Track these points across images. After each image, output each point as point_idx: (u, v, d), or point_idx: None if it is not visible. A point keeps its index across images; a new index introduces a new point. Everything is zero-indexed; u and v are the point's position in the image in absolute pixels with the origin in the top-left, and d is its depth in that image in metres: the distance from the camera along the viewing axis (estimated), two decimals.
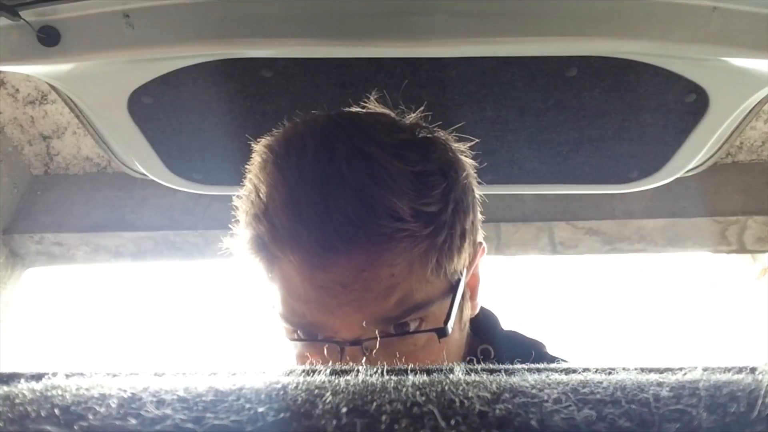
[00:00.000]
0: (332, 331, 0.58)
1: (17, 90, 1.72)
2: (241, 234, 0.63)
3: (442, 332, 0.59)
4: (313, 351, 0.60)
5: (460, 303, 0.62)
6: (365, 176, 0.56)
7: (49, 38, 0.75)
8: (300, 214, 0.56)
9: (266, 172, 0.60)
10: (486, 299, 0.76)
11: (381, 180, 0.56)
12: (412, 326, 0.59)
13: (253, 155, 0.64)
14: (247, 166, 0.65)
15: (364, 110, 0.69)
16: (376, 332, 0.56)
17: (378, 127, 0.61)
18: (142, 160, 0.99)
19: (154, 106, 0.87)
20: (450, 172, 0.62)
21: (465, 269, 0.64)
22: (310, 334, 0.60)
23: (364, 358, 0.57)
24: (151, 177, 1.03)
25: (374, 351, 0.57)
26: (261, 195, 0.59)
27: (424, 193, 0.57)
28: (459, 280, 0.63)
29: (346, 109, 0.69)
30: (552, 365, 0.30)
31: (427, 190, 0.58)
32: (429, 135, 0.65)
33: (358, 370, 0.28)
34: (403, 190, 0.56)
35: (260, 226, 0.59)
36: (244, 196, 0.63)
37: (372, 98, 0.70)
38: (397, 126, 0.63)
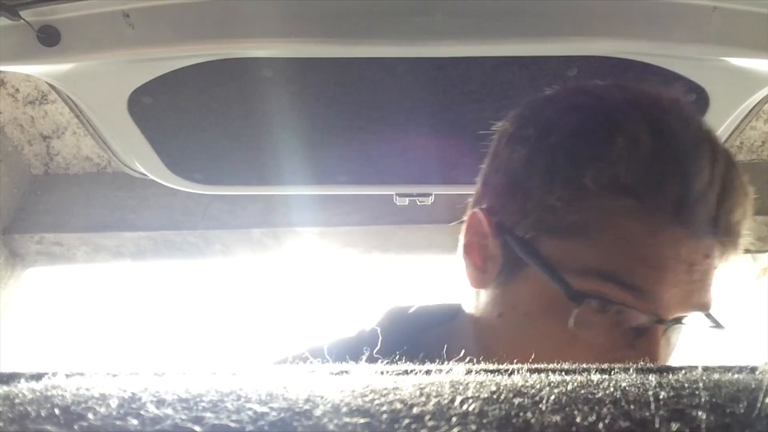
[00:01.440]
0: (657, 302, 0.55)
1: (17, 90, 1.72)
2: (572, 169, 0.57)
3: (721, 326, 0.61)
4: (610, 322, 0.57)
5: None
6: (745, 185, 0.60)
7: (49, 38, 0.75)
8: (713, 182, 0.56)
9: (668, 127, 0.57)
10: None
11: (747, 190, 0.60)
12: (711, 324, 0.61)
13: (605, 102, 0.60)
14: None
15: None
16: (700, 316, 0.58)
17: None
18: (142, 160, 0.99)
19: (154, 106, 0.87)
20: None
21: None
22: (633, 301, 0.56)
23: (662, 341, 0.56)
24: (151, 177, 1.03)
25: (667, 338, 0.57)
26: (660, 145, 0.56)
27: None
28: None
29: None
30: (553, 366, 0.30)
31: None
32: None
33: (358, 370, 0.28)
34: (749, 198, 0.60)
35: (651, 175, 0.55)
36: (604, 138, 0.57)
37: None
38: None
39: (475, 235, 0.65)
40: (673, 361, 0.61)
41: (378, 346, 0.62)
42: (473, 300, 0.67)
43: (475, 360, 0.66)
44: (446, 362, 0.51)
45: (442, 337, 0.69)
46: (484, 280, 0.64)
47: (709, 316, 0.60)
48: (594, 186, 0.56)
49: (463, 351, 0.67)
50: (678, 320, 0.57)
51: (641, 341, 0.56)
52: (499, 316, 0.63)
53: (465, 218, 0.68)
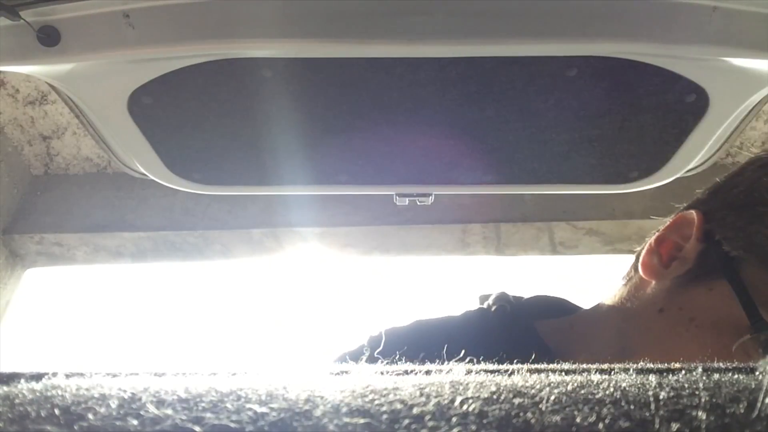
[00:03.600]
0: None
1: (17, 90, 1.72)
2: None
3: None
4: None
5: None
6: None
7: (49, 38, 0.75)
8: None
9: None
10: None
11: None
12: None
13: None
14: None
15: None
16: None
17: None
18: (142, 160, 0.99)
19: (154, 106, 0.87)
20: None
21: None
22: None
23: None
24: (151, 177, 1.03)
25: None
26: None
27: None
28: None
29: None
30: (552, 365, 0.30)
31: None
32: None
33: (358, 370, 0.28)
34: None
35: None
36: None
37: None
38: None
39: (677, 232, 0.67)
40: None
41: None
42: (629, 291, 0.69)
43: (609, 349, 0.67)
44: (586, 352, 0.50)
45: (561, 328, 0.72)
46: (660, 274, 0.65)
47: None
48: None
49: (593, 341, 0.69)
50: None
51: None
52: (660, 312, 0.63)
53: (673, 215, 0.70)
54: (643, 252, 0.69)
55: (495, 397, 0.23)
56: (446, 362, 0.30)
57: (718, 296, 0.58)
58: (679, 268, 0.64)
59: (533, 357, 0.38)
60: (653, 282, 0.66)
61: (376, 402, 0.23)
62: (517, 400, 0.23)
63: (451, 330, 0.73)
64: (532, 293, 0.82)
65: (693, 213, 0.66)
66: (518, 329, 0.73)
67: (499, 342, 0.68)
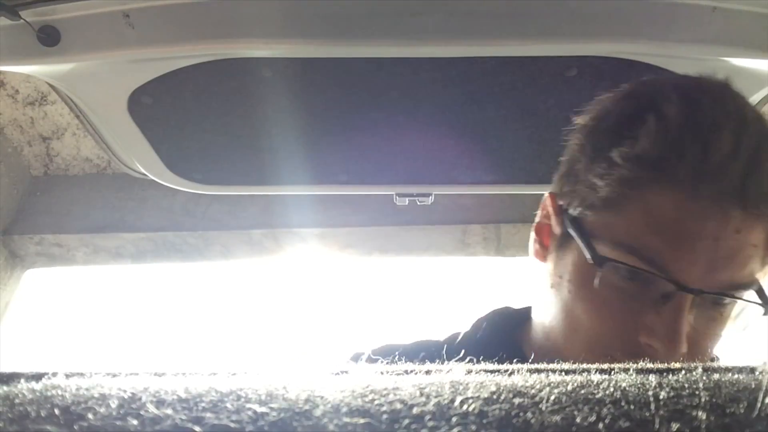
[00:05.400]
0: (680, 275, 0.58)
1: (17, 91, 1.72)
2: (607, 146, 0.62)
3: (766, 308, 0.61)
4: (636, 288, 0.60)
5: None
6: None
7: (49, 38, 0.75)
8: (735, 157, 0.56)
9: (694, 106, 0.59)
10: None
11: None
12: (728, 300, 0.61)
13: (642, 87, 0.67)
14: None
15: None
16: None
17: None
18: (142, 160, 0.99)
19: (154, 106, 0.87)
20: None
21: None
22: (657, 270, 0.58)
23: (690, 310, 0.58)
24: (152, 177, 1.03)
25: (706, 317, 0.60)
26: (682, 122, 0.58)
27: None
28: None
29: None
30: (552, 365, 0.30)
31: None
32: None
33: (358, 370, 0.28)
34: None
35: (672, 149, 0.58)
36: (633, 114, 0.62)
37: None
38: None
39: (544, 216, 0.73)
40: (725, 334, 0.64)
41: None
42: (537, 286, 0.74)
43: (536, 347, 0.72)
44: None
45: (526, 330, 0.77)
46: (544, 255, 0.71)
47: (760, 293, 0.61)
48: (621, 161, 0.60)
49: (531, 339, 0.74)
50: (706, 292, 0.58)
51: (666, 308, 0.59)
52: (551, 287, 0.68)
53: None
54: (531, 245, 0.75)
55: (495, 397, 0.23)
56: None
57: (577, 252, 0.64)
58: (553, 244, 0.70)
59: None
60: (543, 266, 0.72)
61: (376, 402, 0.22)
62: (517, 400, 0.23)
63: (440, 348, 0.76)
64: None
65: (547, 195, 0.72)
66: (505, 338, 0.77)
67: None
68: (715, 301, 0.60)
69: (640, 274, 0.59)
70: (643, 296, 0.60)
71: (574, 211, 0.65)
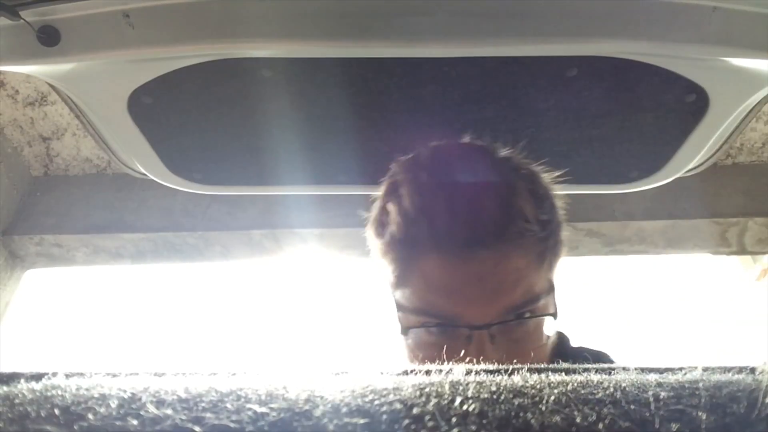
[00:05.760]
0: (466, 318, 0.68)
1: (17, 91, 1.72)
2: (379, 239, 0.76)
3: (555, 315, 0.72)
4: (441, 339, 0.69)
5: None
6: (503, 188, 0.71)
7: (49, 38, 0.75)
8: (456, 213, 0.68)
9: (415, 183, 0.73)
10: None
11: (514, 192, 0.70)
12: (527, 315, 0.71)
13: (389, 175, 0.79)
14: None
15: (470, 141, 0.83)
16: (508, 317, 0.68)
17: (500, 153, 0.77)
18: (142, 160, 0.99)
19: (154, 106, 0.87)
20: (549, 192, 0.77)
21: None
22: (447, 322, 0.69)
23: (490, 342, 0.67)
24: (151, 177, 1.03)
25: (506, 336, 0.68)
26: (409, 201, 0.71)
27: (540, 205, 0.72)
28: (554, 282, 0.76)
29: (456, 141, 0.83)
30: (553, 366, 0.30)
31: (541, 203, 0.73)
32: (530, 164, 0.79)
33: (358, 370, 0.28)
34: (528, 201, 0.70)
35: (411, 227, 0.70)
36: (383, 207, 0.77)
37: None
38: (510, 155, 0.78)
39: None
40: (531, 349, 0.73)
41: None
42: None
43: None
44: None
45: None
46: None
47: (550, 299, 0.73)
48: (387, 246, 0.74)
49: None
50: (493, 324, 0.68)
51: (471, 347, 0.67)
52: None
53: None
54: None
55: (495, 397, 0.23)
56: None
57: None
58: None
59: None
60: None
61: (376, 402, 0.22)
62: (517, 401, 0.23)
63: None
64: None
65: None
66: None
67: None
68: (509, 325, 0.69)
69: (438, 328, 0.70)
70: (453, 342, 0.67)
71: (388, 290, 0.77)
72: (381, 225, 0.76)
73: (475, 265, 0.67)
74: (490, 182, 0.71)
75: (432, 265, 0.69)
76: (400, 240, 0.71)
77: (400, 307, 0.73)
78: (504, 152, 0.77)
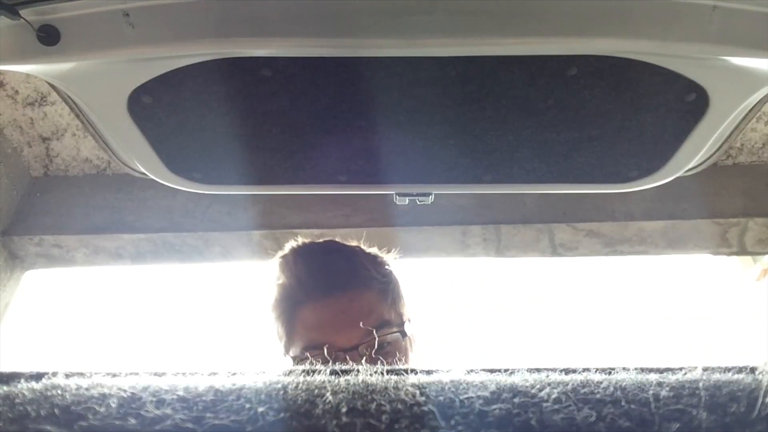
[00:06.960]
0: (339, 344, 0.93)
1: (17, 91, 1.72)
2: (270, 309, 1.05)
3: (403, 332, 1.01)
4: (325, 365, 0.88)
5: (409, 337, 1.02)
6: (353, 255, 1.06)
7: (48, 37, 0.75)
8: (316, 271, 1.01)
9: (285, 263, 1.05)
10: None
11: (357, 253, 1.07)
12: (385, 334, 0.97)
13: (277, 262, 1.07)
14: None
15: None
16: (375, 335, 0.94)
17: (352, 244, 1.10)
18: (142, 160, 0.99)
19: (154, 106, 0.87)
20: (390, 267, 1.09)
21: (409, 322, 1.05)
22: (325, 351, 0.89)
23: (362, 359, 0.90)
24: (152, 177, 1.03)
25: (370, 352, 0.92)
26: (283, 274, 1.04)
27: (381, 269, 1.06)
28: (405, 321, 1.04)
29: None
30: (552, 365, 0.30)
31: (382, 268, 1.07)
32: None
33: (358, 370, 0.28)
34: (368, 259, 1.06)
35: (286, 288, 1.02)
36: (275, 281, 1.06)
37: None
38: (357, 245, 1.11)
39: None
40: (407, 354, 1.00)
41: None
42: None
43: None
44: None
45: None
46: None
47: (400, 324, 1.02)
48: (273, 310, 1.05)
49: None
50: (358, 345, 0.94)
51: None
52: None
53: None
54: None
55: (495, 396, 0.23)
56: None
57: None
58: None
59: None
60: None
61: (377, 402, 0.22)
62: (517, 400, 0.23)
63: None
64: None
65: None
66: None
67: None
68: (371, 343, 0.93)
69: (321, 357, 0.89)
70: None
71: (282, 354, 1.03)
72: (270, 299, 1.05)
73: (336, 303, 0.96)
74: (339, 249, 1.07)
75: (306, 311, 0.98)
76: (281, 299, 1.02)
77: (294, 360, 0.97)
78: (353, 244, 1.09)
